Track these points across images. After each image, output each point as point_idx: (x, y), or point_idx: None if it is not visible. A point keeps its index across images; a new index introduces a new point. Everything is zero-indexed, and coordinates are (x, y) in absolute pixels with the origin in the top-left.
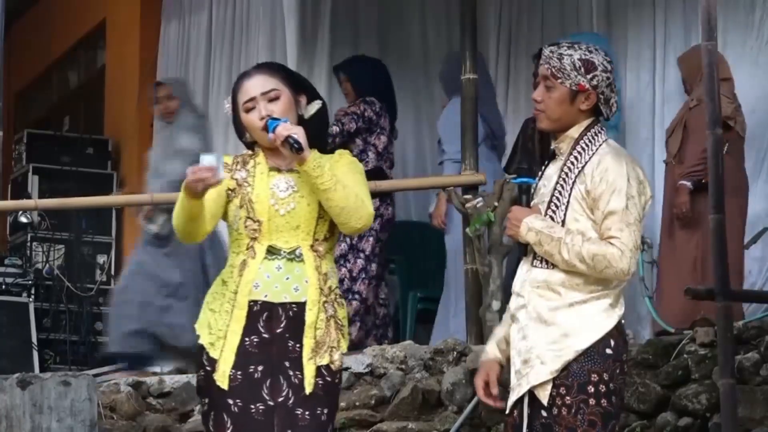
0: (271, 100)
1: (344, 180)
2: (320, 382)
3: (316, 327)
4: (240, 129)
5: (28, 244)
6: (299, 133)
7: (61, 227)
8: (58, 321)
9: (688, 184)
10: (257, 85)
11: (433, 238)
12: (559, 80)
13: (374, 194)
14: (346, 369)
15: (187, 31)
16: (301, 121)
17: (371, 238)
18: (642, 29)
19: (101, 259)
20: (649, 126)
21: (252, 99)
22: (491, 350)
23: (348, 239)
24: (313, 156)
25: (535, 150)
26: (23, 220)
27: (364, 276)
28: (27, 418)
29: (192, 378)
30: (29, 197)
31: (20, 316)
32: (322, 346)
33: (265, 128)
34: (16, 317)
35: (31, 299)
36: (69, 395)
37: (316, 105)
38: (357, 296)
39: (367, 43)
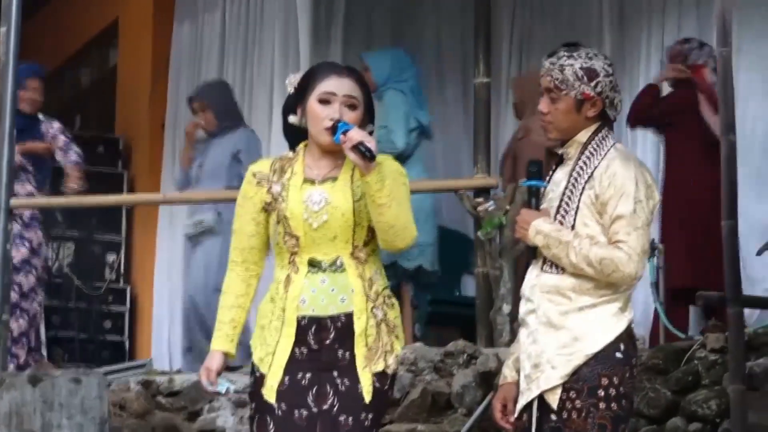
0: (349, 106)
1: (396, 193)
2: (371, 389)
3: (367, 334)
4: (292, 109)
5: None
6: (372, 142)
7: (70, 225)
8: (67, 319)
9: None
10: (345, 86)
11: (445, 241)
12: (564, 91)
13: None
14: None
15: (200, 31)
16: None
17: None
18: (656, 35)
19: (111, 257)
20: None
21: (333, 94)
22: (509, 373)
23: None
24: (378, 168)
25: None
26: None
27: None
28: (37, 415)
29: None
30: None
31: None
32: (375, 353)
33: (331, 129)
34: None
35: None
36: (79, 393)
37: (369, 128)
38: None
39: (381, 43)
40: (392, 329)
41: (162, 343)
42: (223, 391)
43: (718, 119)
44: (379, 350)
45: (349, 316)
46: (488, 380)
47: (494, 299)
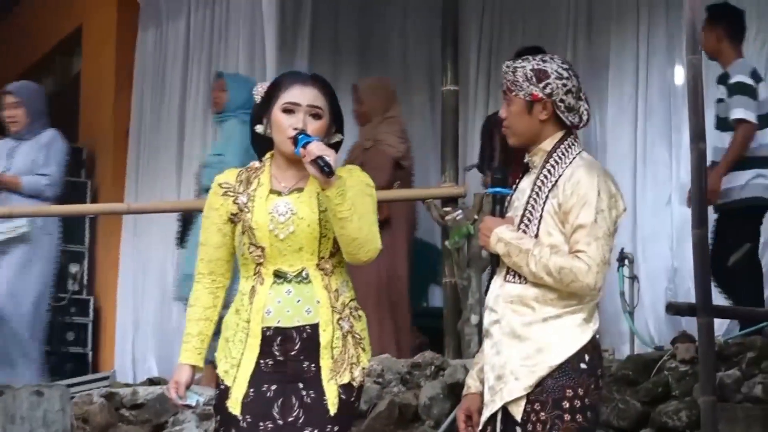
0: (313, 116)
1: (358, 206)
2: (335, 402)
3: (333, 346)
4: (259, 118)
5: None
6: (331, 156)
7: None
8: None
9: None
10: (309, 95)
11: (414, 251)
12: (514, 92)
13: None
14: None
15: (164, 38)
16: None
17: None
18: (625, 42)
19: (74, 268)
20: (630, 140)
21: (297, 104)
22: (472, 383)
23: None
24: (338, 183)
25: (494, 155)
26: None
27: None
28: None
29: (164, 389)
30: None
31: None
32: (341, 365)
33: (293, 140)
34: None
35: None
36: (42, 406)
37: (337, 137)
38: None
39: (347, 52)
40: (359, 341)
41: (126, 355)
42: (193, 404)
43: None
44: (345, 362)
45: (315, 328)
46: (456, 392)
47: (462, 310)
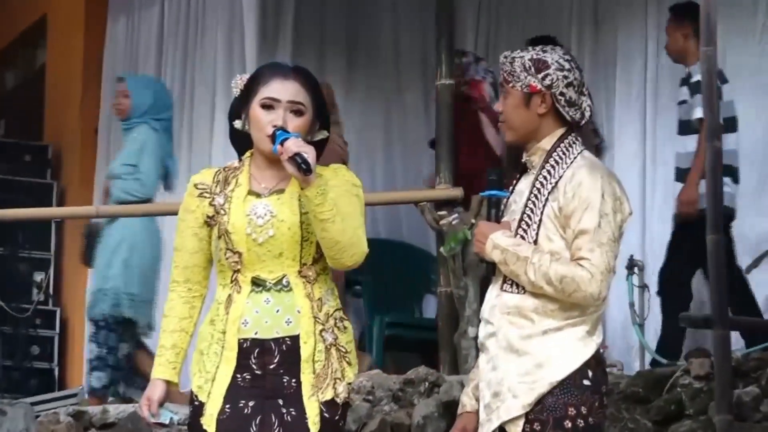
0: (293, 112)
1: (342, 207)
2: (317, 420)
3: (315, 360)
4: (237, 113)
5: None
6: (310, 153)
7: None
8: None
9: None
10: (289, 90)
11: (404, 258)
12: (510, 84)
13: None
14: None
15: (136, 28)
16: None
17: None
18: (633, 34)
19: (39, 276)
20: (639, 139)
21: (276, 100)
22: (467, 401)
23: None
24: (318, 182)
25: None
26: None
27: None
28: None
29: (136, 407)
30: None
31: None
32: (323, 380)
33: (272, 137)
34: None
35: None
36: (4, 425)
37: (321, 134)
38: None
39: (334, 44)
40: (343, 355)
41: None
42: (167, 422)
43: (500, 138)
44: (328, 377)
45: (295, 340)
46: (452, 410)
47: (459, 321)
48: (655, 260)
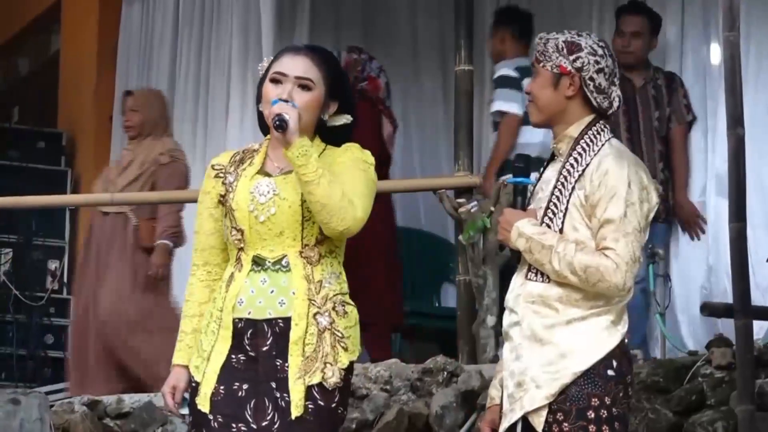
0: (301, 87)
1: (339, 175)
2: (310, 405)
3: (305, 342)
4: (259, 96)
5: None
6: (291, 115)
7: (8, 229)
8: (4, 333)
9: (170, 243)
10: (298, 66)
11: (422, 246)
12: (541, 63)
13: None
14: None
15: (151, 14)
16: (320, 124)
17: None
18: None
19: (53, 264)
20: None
21: (284, 75)
22: (496, 394)
23: None
24: (300, 142)
25: None
26: None
27: None
28: None
29: (152, 397)
30: None
31: None
32: (313, 363)
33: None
34: None
35: None
36: (18, 415)
37: (343, 119)
38: None
39: (350, 31)
40: (339, 339)
41: None
42: (187, 411)
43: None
44: (317, 360)
45: (288, 321)
46: (470, 400)
47: (477, 310)
48: (676, 249)
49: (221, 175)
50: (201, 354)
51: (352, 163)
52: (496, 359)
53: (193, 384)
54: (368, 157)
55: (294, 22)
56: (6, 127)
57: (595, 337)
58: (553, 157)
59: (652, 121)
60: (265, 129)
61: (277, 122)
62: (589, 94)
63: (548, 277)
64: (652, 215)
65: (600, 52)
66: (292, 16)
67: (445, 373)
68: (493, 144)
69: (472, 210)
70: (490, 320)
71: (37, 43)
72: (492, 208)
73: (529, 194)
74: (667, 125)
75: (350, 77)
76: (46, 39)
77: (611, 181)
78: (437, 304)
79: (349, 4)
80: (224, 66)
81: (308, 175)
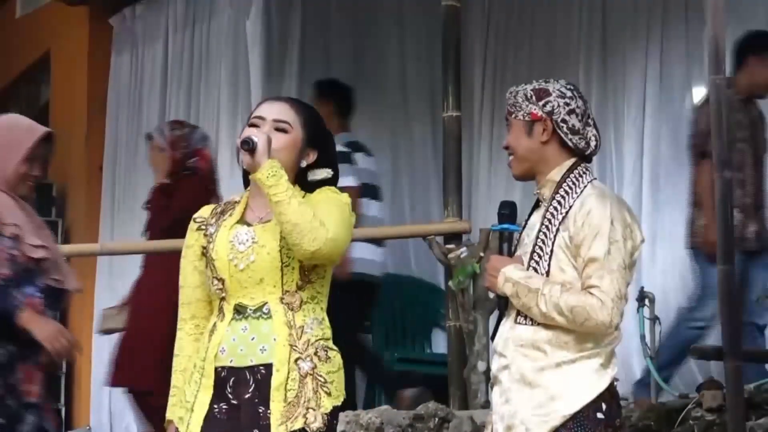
0: (278, 130)
1: (313, 207)
2: None
3: (287, 388)
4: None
5: None
6: (261, 138)
7: None
8: None
9: None
10: (275, 110)
11: (413, 292)
12: (513, 115)
13: None
14: None
15: (140, 64)
16: (299, 171)
17: None
18: (638, 62)
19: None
20: (638, 167)
21: (261, 118)
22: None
23: None
24: (270, 163)
25: None
26: None
27: None
28: None
29: None
30: None
31: None
32: (295, 408)
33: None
34: None
35: None
36: None
37: (323, 172)
38: None
39: (340, 77)
40: (321, 384)
41: (102, 409)
42: None
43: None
44: (299, 406)
45: (269, 368)
46: None
47: (468, 356)
48: (664, 290)
49: (203, 227)
50: (184, 405)
51: (326, 198)
52: (487, 404)
53: None
54: (344, 197)
55: (283, 72)
56: None
57: (585, 380)
58: (537, 204)
59: None
60: (247, 182)
61: (245, 143)
62: (564, 136)
63: (537, 321)
64: (637, 253)
65: (569, 94)
66: (281, 66)
67: (437, 419)
68: None
69: (462, 256)
70: (481, 366)
71: (28, 94)
72: (481, 254)
73: (515, 241)
74: None
75: (178, 155)
76: (35, 90)
77: (594, 220)
78: (428, 351)
79: (339, 54)
80: (214, 114)
81: (279, 195)
